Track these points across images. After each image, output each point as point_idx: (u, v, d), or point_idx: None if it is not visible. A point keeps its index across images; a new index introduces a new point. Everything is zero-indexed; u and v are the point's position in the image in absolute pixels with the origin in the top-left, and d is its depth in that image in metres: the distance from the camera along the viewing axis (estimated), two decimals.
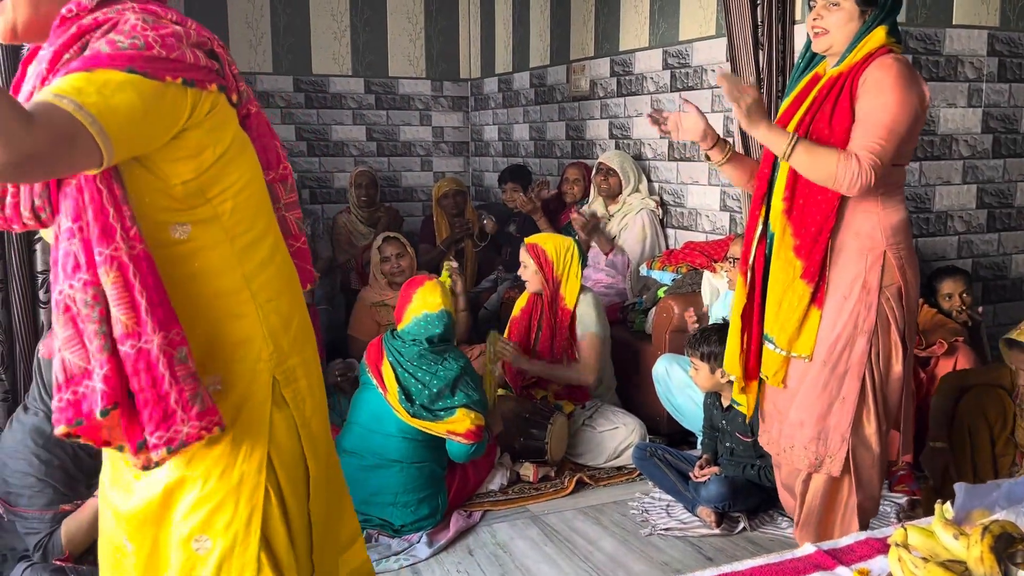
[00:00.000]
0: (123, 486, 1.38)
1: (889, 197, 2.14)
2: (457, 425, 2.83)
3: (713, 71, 4.06)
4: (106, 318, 1.19)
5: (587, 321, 3.55)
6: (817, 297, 2.16)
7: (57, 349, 1.23)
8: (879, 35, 2.11)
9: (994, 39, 3.82)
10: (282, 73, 5.81)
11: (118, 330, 1.20)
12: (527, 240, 3.66)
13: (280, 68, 5.80)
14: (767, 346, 2.26)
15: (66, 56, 1.20)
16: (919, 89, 2.08)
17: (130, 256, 1.19)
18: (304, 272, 1.54)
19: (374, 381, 2.92)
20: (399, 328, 2.99)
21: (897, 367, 2.19)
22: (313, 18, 5.83)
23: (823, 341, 2.17)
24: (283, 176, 1.50)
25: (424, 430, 2.85)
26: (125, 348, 1.20)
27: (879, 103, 2.04)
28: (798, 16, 3.37)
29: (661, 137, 4.43)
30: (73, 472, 2.31)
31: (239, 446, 1.34)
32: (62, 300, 1.21)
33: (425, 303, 2.95)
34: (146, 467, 1.24)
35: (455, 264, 3.76)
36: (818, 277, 2.15)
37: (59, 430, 1.22)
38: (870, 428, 2.19)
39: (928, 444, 2.84)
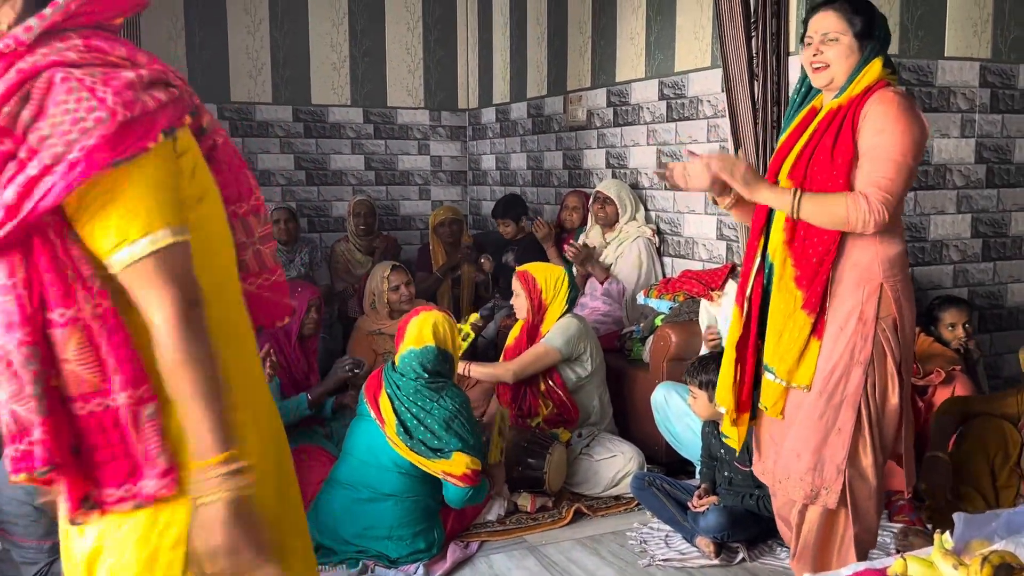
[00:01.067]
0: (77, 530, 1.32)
1: (887, 230, 2.15)
2: (453, 467, 2.80)
3: (709, 101, 4.10)
4: (40, 378, 1.17)
5: (550, 335, 3.55)
6: (818, 328, 2.17)
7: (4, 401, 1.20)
8: (876, 67, 2.14)
9: (986, 71, 3.87)
10: (281, 103, 5.86)
11: (82, 388, 1.18)
12: (519, 268, 3.69)
13: (279, 98, 5.84)
14: (767, 376, 2.26)
15: (6, 109, 1.13)
16: (920, 121, 2.11)
17: (94, 315, 1.17)
18: (279, 307, 1.50)
19: (372, 413, 2.90)
20: (396, 362, 2.98)
21: (894, 399, 2.19)
22: (312, 49, 5.89)
23: (820, 371, 2.17)
24: (255, 208, 1.44)
25: (419, 466, 2.83)
26: (91, 407, 1.19)
27: (884, 138, 2.06)
28: (792, 48, 3.41)
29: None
30: None
31: (157, 518, 1.24)
32: (4, 356, 1.19)
33: (412, 338, 2.92)
34: (72, 521, 1.22)
35: (480, 321, 3.79)
36: (819, 308, 2.15)
37: (19, 478, 1.21)
38: (867, 460, 2.18)
39: (927, 455, 2.83)
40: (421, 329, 2.92)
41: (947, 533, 1.52)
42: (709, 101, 4.10)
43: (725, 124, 3.79)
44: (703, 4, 4.08)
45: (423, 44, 6.18)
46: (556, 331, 3.55)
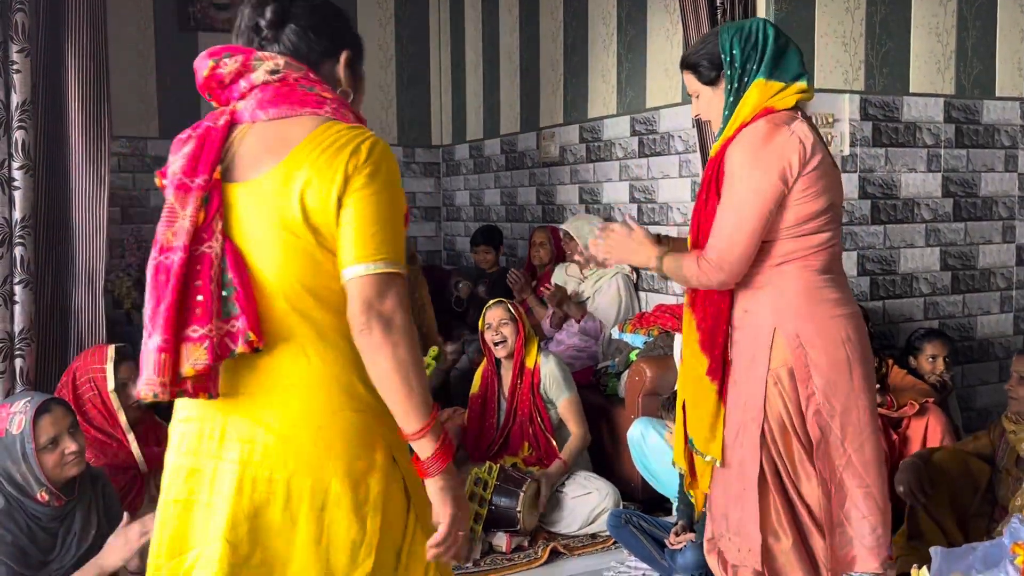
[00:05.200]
0: None
1: (784, 269, 1.95)
2: None
3: (680, 136, 4.13)
4: None
5: (560, 385, 3.55)
6: (723, 395, 2.00)
7: None
8: (752, 97, 1.95)
9: (950, 106, 3.94)
10: None
11: None
12: (507, 300, 3.69)
13: None
14: (693, 450, 2.10)
15: None
16: (776, 162, 1.87)
17: None
18: None
19: None
20: None
21: (799, 454, 1.97)
22: None
23: (725, 429, 2.03)
24: None
25: None
26: None
27: (728, 195, 1.92)
28: None
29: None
30: (27, 547, 2.22)
31: None
32: None
33: None
34: None
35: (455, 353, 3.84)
36: (721, 374, 2.00)
37: None
38: (779, 517, 1.99)
39: (902, 462, 2.82)
40: None
41: (924, 567, 1.50)
42: (680, 136, 4.14)
43: (696, 159, 3.83)
44: (673, 41, 4.13)
45: (396, 81, 6.20)
46: (556, 378, 3.55)
